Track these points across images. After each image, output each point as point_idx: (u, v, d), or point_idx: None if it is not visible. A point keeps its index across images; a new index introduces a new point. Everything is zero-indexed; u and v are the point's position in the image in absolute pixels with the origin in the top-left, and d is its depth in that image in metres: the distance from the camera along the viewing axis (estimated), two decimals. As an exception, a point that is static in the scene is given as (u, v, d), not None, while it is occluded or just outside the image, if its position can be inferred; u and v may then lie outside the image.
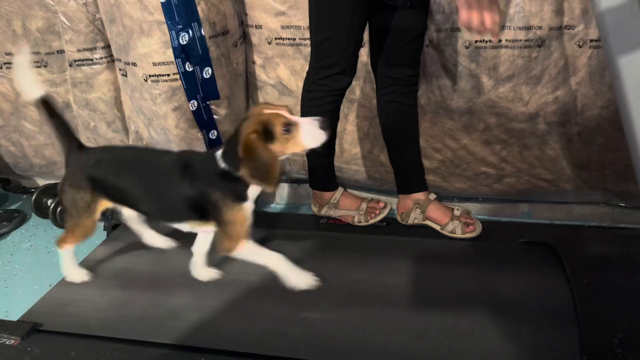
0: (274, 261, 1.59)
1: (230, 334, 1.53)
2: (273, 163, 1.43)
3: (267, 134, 1.43)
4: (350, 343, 1.46)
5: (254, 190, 1.53)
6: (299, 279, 1.60)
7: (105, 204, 1.70)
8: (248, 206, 1.54)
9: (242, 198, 1.53)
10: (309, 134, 1.46)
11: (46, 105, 1.68)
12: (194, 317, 1.60)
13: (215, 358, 1.44)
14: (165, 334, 1.54)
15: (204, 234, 1.74)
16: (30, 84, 1.67)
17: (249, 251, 1.58)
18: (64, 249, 1.80)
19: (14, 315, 1.72)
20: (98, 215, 1.71)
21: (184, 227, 1.68)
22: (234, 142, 1.46)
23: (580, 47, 1.81)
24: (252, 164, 1.42)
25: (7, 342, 1.55)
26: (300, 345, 1.46)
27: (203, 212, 1.56)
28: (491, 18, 1.28)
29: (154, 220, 1.82)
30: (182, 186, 1.54)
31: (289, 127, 1.44)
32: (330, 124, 1.50)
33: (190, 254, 1.77)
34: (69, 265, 1.84)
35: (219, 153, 1.52)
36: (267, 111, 1.46)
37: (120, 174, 1.64)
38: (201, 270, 1.79)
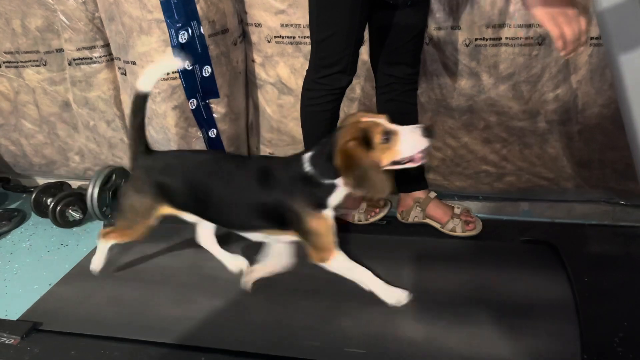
0: (367, 277, 1.55)
1: (230, 333, 1.53)
2: (375, 170, 1.38)
3: (365, 142, 1.38)
4: (351, 341, 1.46)
5: (336, 198, 1.48)
6: (393, 294, 1.56)
7: (165, 211, 1.64)
8: (329, 214, 1.49)
9: (324, 205, 1.47)
10: (409, 142, 1.40)
11: (142, 102, 1.62)
12: (194, 316, 1.60)
13: (216, 357, 1.44)
14: (166, 333, 1.54)
15: (281, 243, 1.70)
16: (151, 80, 1.61)
17: (341, 265, 1.53)
18: (104, 242, 1.78)
19: (14, 315, 1.72)
20: (154, 221, 1.65)
21: (258, 236, 1.62)
22: (328, 149, 1.42)
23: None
24: (353, 173, 1.37)
25: (7, 342, 1.55)
26: (300, 343, 1.46)
27: (282, 220, 1.50)
28: (579, 29, 1.20)
29: (225, 228, 1.69)
30: (260, 193, 1.48)
31: (388, 135, 1.39)
32: (434, 131, 1.46)
33: (191, 253, 1.77)
34: (100, 257, 1.82)
35: (306, 156, 1.47)
36: (364, 119, 1.41)
37: (191, 179, 1.57)
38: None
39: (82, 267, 1.95)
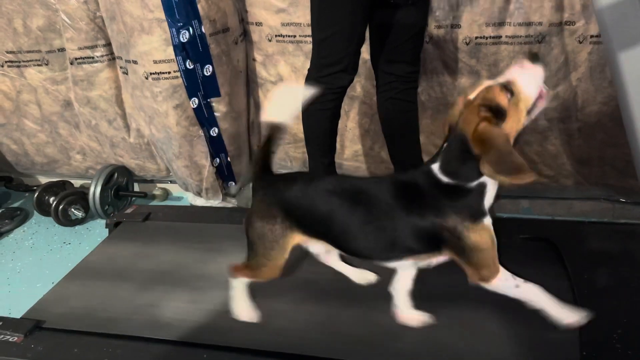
0: (538, 295, 1.34)
1: (233, 330, 1.54)
2: (511, 147, 1.16)
3: (496, 113, 1.16)
4: (353, 339, 1.47)
5: (489, 198, 1.26)
6: (565, 313, 1.34)
7: (298, 239, 1.41)
8: (489, 222, 1.28)
9: (481, 213, 1.25)
10: (529, 79, 1.19)
11: (277, 133, 1.42)
12: (196, 314, 1.61)
13: (218, 354, 1.45)
14: (168, 330, 1.54)
15: (418, 266, 1.46)
16: (287, 112, 1.42)
17: (506, 284, 1.32)
18: (238, 279, 1.52)
19: (17, 313, 1.73)
20: (288, 254, 1.42)
21: (406, 265, 1.42)
22: (456, 149, 1.22)
23: (580, 42, 1.81)
24: (494, 158, 1.14)
25: (10, 339, 1.56)
26: (301, 341, 1.47)
27: (435, 242, 1.28)
28: None
29: (364, 259, 1.46)
30: (411, 217, 1.26)
31: (509, 88, 1.18)
32: (537, 53, 1.23)
33: (192, 251, 1.77)
34: (240, 300, 1.55)
35: (435, 167, 1.25)
36: (473, 95, 1.20)
37: (327, 203, 1.35)
38: (409, 311, 1.49)
39: (85, 265, 1.95)
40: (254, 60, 2.21)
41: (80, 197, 2.45)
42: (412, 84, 1.87)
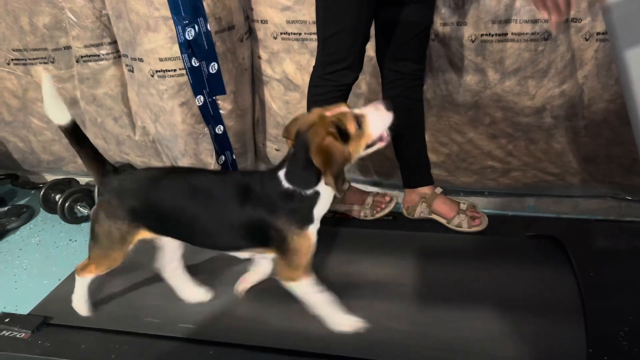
0: (324, 306, 1.48)
1: (239, 327, 1.54)
2: (346, 161, 1.34)
3: (341, 134, 1.32)
4: (355, 336, 1.47)
5: (320, 210, 1.40)
6: (342, 321, 1.49)
7: (143, 235, 1.51)
8: (314, 230, 1.41)
9: (309, 220, 1.39)
10: (377, 121, 1.36)
11: (74, 130, 1.50)
12: (201, 311, 1.62)
13: (224, 351, 1.45)
14: (174, 327, 1.55)
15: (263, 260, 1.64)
16: (58, 110, 1.48)
17: (307, 289, 1.46)
18: (82, 276, 1.61)
19: (24, 309, 1.74)
20: (131, 247, 1.53)
21: (244, 255, 1.54)
22: (301, 157, 1.34)
23: (586, 40, 1.80)
24: (336, 170, 1.30)
25: (17, 336, 1.57)
26: (303, 338, 1.47)
27: (265, 238, 1.42)
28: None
29: (206, 248, 1.60)
30: (243, 212, 1.40)
31: (359, 120, 1.34)
32: (393, 103, 1.40)
33: (198, 247, 1.76)
34: (80, 294, 1.64)
35: (281, 173, 1.38)
36: (329, 113, 1.34)
37: (167, 200, 1.46)
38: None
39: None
40: (259, 57, 2.21)
41: (86, 194, 2.46)
42: (418, 81, 1.87)
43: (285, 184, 1.37)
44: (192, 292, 1.69)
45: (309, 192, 1.37)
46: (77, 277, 1.61)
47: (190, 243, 1.55)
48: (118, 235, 1.48)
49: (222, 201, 1.42)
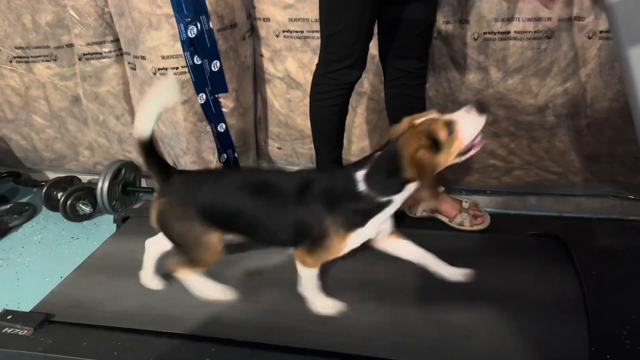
0: (313, 290, 1.54)
1: (242, 324, 1.54)
2: (437, 170, 1.31)
3: (433, 144, 1.28)
4: (356, 336, 1.47)
5: (382, 217, 1.40)
6: (323, 304, 1.54)
7: (217, 235, 1.49)
8: (357, 235, 1.41)
9: (361, 224, 1.39)
10: (469, 126, 1.30)
11: (150, 144, 1.46)
12: (204, 308, 1.61)
13: (227, 348, 1.46)
14: (177, 324, 1.55)
15: None
16: (149, 122, 1.43)
17: (309, 275, 1.50)
18: (182, 274, 1.59)
19: (26, 307, 1.74)
20: (218, 245, 1.50)
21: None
22: (388, 164, 1.32)
23: (589, 38, 1.80)
24: (426, 180, 1.28)
25: (20, 333, 1.57)
26: (305, 336, 1.47)
27: (306, 235, 1.41)
28: None
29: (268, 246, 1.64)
30: (297, 209, 1.40)
31: (450, 127, 1.29)
32: (486, 104, 1.34)
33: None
34: (204, 284, 1.62)
35: (359, 174, 1.36)
36: (418, 121, 1.31)
37: (234, 200, 1.46)
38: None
39: (93, 259, 1.97)
40: (262, 56, 2.21)
41: (88, 192, 2.46)
42: (421, 79, 1.87)
43: (362, 186, 1.35)
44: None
45: (384, 198, 1.36)
46: (180, 277, 1.59)
47: (256, 241, 1.58)
48: (193, 237, 1.48)
49: (282, 197, 1.42)
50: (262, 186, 1.46)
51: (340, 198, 1.36)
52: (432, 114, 1.32)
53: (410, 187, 1.34)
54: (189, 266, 1.55)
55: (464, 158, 1.34)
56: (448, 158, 1.31)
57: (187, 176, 1.54)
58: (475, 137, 1.32)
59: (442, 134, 1.28)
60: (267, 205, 1.44)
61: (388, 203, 1.37)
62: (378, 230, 1.46)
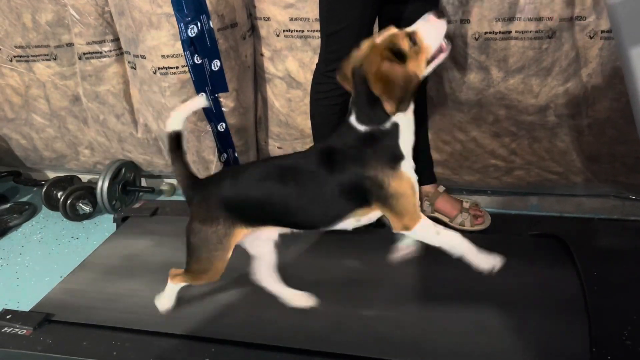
0: (458, 242, 1.38)
1: (241, 324, 1.54)
2: (410, 82, 1.24)
3: (397, 55, 1.24)
4: (356, 336, 1.47)
5: (407, 141, 1.32)
6: (486, 261, 1.39)
7: (241, 234, 1.43)
8: (408, 167, 1.32)
9: (399, 157, 1.31)
10: (432, 32, 1.27)
11: (178, 137, 1.46)
12: (204, 308, 1.61)
13: (226, 349, 1.45)
14: (176, 324, 1.55)
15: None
16: (181, 119, 1.45)
17: (427, 231, 1.36)
18: (175, 283, 1.55)
19: (26, 306, 1.74)
20: (229, 254, 1.44)
21: (349, 224, 1.42)
22: (363, 93, 1.28)
23: (591, 38, 1.80)
24: (395, 93, 1.23)
25: (19, 332, 1.57)
26: (305, 336, 1.47)
27: (363, 194, 1.33)
28: None
29: (311, 229, 1.51)
30: (333, 175, 1.32)
31: (412, 37, 1.25)
32: (442, 9, 1.31)
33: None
34: (168, 296, 1.59)
35: (352, 119, 1.32)
36: (379, 39, 1.28)
37: (262, 188, 1.40)
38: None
39: (93, 259, 1.96)
40: (262, 55, 2.21)
41: (88, 192, 2.46)
42: (421, 79, 1.86)
43: (361, 127, 1.30)
44: (297, 297, 1.61)
45: (387, 125, 1.29)
46: (169, 282, 1.56)
47: (290, 226, 1.46)
48: (216, 239, 1.41)
49: (311, 172, 1.36)
50: (288, 169, 1.40)
51: (358, 146, 1.30)
52: (391, 30, 1.29)
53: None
54: (188, 280, 1.52)
55: (435, 64, 1.31)
56: (418, 68, 1.28)
57: (207, 179, 1.50)
58: (440, 43, 1.29)
59: (405, 44, 1.25)
60: (302, 184, 1.37)
61: (395, 127, 1.30)
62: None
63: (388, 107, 1.25)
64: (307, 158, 1.40)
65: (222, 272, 1.46)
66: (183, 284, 1.55)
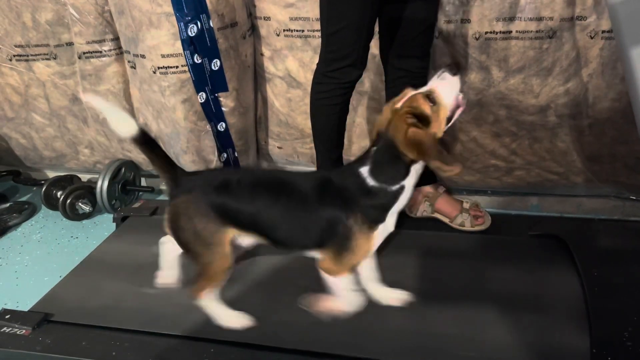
0: (345, 303, 1.49)
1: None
2: (435, 144, 1.28)
3: (421, 120, 1.29)
4: (356, 335, 1.46)
5: (399, 205, 1.38)
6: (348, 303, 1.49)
7: (233, 232, 1.43)
8: (382, 232, 1.38)
9: (381, 220, 1.37)
10: (448, 90, 1.31)
11: (143, 138, 1.41)
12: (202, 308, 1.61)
13: (225, 349, 1.45)
14: (175, 324, 1.55)
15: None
16: (124, 122, 1.38)
17: (342, 284, 1.44)
18: (203, 297, 1.49)
19: (25, 306, 1.73)
20: (229, 247, 1.43)
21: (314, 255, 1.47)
22: (385, 152, 1.33)
23: (592, 38, 1.79)
24: (435, 153, 1.26)
25: (18, 332, 1.57)
26: (304, 337, 1.47)
27: (328, 237, 1.38)
28: None
29: (286, 249, 1.54)
30: (317, 210, 1.37)
31: (431, 97, 1.30)
32: (458, 64, 1.36)
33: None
34: (221, 312, 1.53)
35: (364, 170, 1.35)
36: (399, 104, 1.32)
37: (253, 196, 1.41)
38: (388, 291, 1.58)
39: (92, 259, 1.96)
40: (262, 55, 2.21)
41: (87, 191, 2.45)
42: (422, 79, 1.85)
43: (370, 181, 1.34)
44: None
45: (395, 187, 1.35)
46: (201, 302, 1.50)
47: (270, 242, 1.47)
48: (207, 235, 1.41)
49: (304, 195, 1.39)
50: (283, 185, 1.43)
51: (356, 196, 1.35)
52: (409, 92, 1.34)
53: (417, 167, 1.34)
54: (205, 284, 1.47)
55: (454, 119, 1.35)
56: (440, 126, 1.32)
57: (198, 175, 1.51)
58: (457, 99, 1.33)
59: (426, 107, 1.29)
60: (290, 205, 1.41)
61: (401, 190, 1.35)
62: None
63: (432, 165, 1.29)
64: (306, 181, 1.42)
65: (229, 262, 1.44)
66: (210, 291, 1.49)
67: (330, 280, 1.44)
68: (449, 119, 1.34)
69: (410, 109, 1.29)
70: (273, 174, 1.52)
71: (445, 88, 1.32)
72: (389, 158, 1.33)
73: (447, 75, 1.32)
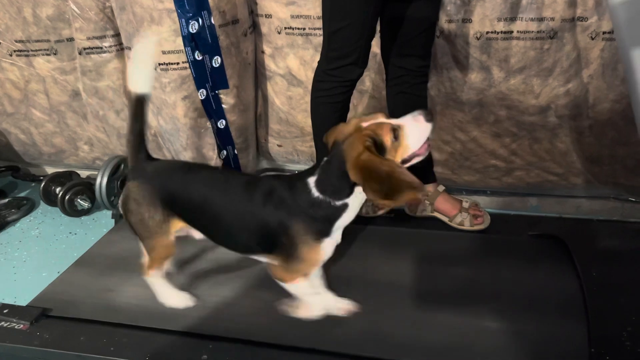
0: (312, 306, 1.51)
1: (239, 321, 1.54)
2: (397, 172, 1.22)
3: (378, 149, 1.25)
4: (355, 334, 1.46)
5: (343, 222, 1.36)
6: (338, 305, 1.53)
7: (179, 225, 1.48)
8: (329, 245, 1.37)
9: (327, 233, 1.35)
10: (416, 132, 1.28)
11: (140, 104, 1.46)
12: (202, 304, 1.61)
13: (223, 346, 1.45)
14: (174, 320, 1.55)
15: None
16: (143, 77, 1.43)
17: (300, 289, 1.46)
18: (150, 275, 1.57)
19: (23, 301, 1.73)
20: (173, 236, 1.49)
21: (261, 258, 1.49)
22: (336, 168, 1.29)
23: (593, 39, 1.80)
24: (376, 185, 1.21)
25: (16, 327, 1.57)
26: (302, 335, 1.47)
27: (274, 244, 1.38)
28: None
29: (230, 250, 1.54)
30: (263, 213, 1.36)
31: (396, 132, 1.27)
32: (432, 113, 1.31)
33: (197, 242, 1.76)
34: (165, 290, 1.61)
35: (311, 180, 1.33)
36: (366, 123, 1.29)
37: (199, 192, 1.43)
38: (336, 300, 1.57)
39: (91, 255, 1.96)
40: (263, 52, 2.20)
41: (86, 187, 2.45)
42: (423, 78, 1.87)
43: (315, 192, 1.32)
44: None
45: (339, 203, 1.32)
46: (147, 279, 1.58)
47: (214, 241, 1.51)
48: (153, 224, 1.45)
49: (246, 200, 1.39)
50: (232, 186, 1.43)
51: (301, 205, 1.33)
52: (380, 118, 1.31)
53: (360, 189, 1.29)
54: (151, 264, 1.54)
55: (406, 165, 1.31)
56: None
57: (157, 163, 1.53)
58: (421, 145, 1.30)
59: (388, 139, 1.27)
60: (233, 205, 1.42)
61: (344, 207, 1.33)
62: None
63: (366, 194, 1.24)
64: (256, 183, 1.41)
65: (173, 246, 1.50)
66: (156, 271, 1.56)
67: (285, 286, 1.46)
68: (404, 161, 1.31)
69: (372, 133, 1.26)
70: (225, 174, 1.51)
71: (415, 130, 1.29)
72: (336, 173, 1.30)
73: (421, 119, 1.29)
